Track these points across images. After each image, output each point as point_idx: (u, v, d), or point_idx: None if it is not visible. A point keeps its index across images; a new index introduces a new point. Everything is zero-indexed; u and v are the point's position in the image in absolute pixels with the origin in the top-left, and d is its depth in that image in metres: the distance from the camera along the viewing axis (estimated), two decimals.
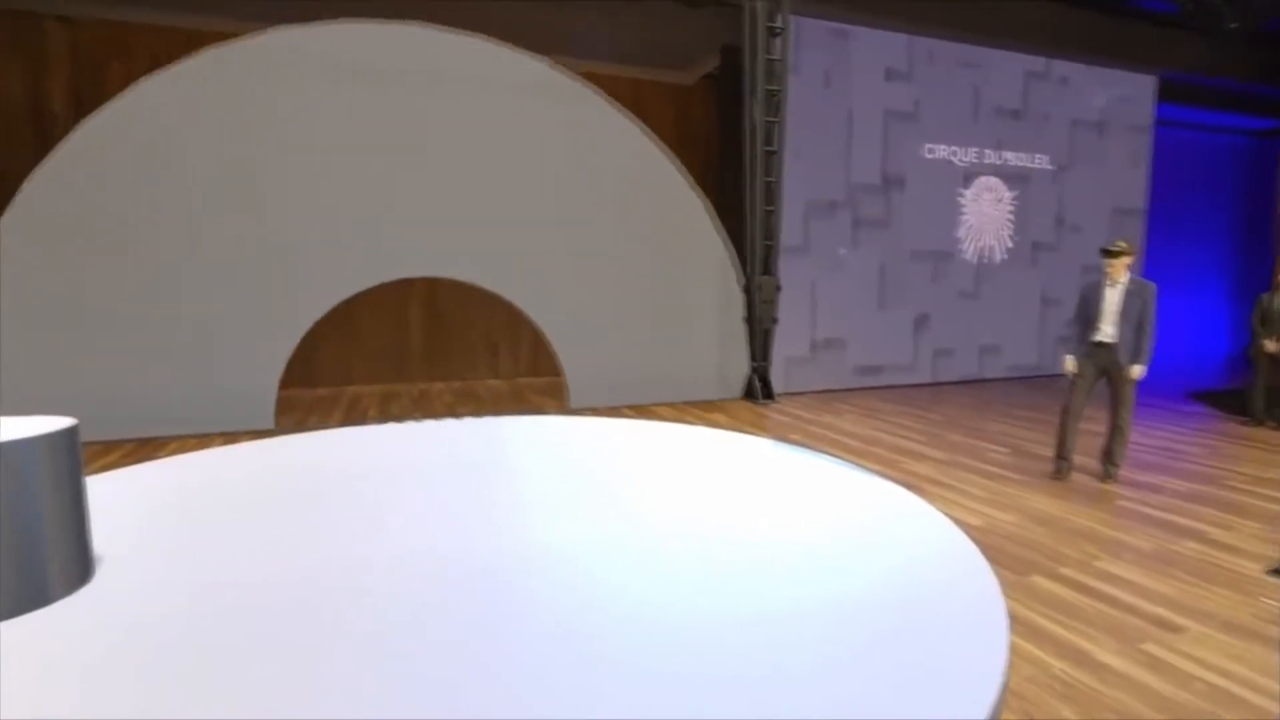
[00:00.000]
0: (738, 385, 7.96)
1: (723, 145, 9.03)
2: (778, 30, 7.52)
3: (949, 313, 9.19)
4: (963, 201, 9.20)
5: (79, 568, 2.96)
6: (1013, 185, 9.48)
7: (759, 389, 7.82)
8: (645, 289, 7.54)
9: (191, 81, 6.01)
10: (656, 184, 7.49)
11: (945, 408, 7.44)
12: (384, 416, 6.92)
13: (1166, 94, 10.57)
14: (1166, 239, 12.05)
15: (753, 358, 7.91)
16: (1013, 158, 9.44)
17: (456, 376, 9.24)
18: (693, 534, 3.47)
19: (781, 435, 5.98)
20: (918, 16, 8.54)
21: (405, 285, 8.64)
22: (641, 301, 7.53)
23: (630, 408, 7.27)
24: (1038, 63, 9.41)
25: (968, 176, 9.19)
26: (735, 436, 5.69)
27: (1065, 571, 3.25)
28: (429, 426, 6.11)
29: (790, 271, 8.07)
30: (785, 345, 8.18)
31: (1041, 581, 3.14)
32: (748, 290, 7.83)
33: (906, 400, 7.87)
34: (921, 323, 9.06)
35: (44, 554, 2.79)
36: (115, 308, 5.85)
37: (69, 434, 2.94)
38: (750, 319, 7.86)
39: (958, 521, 3.78)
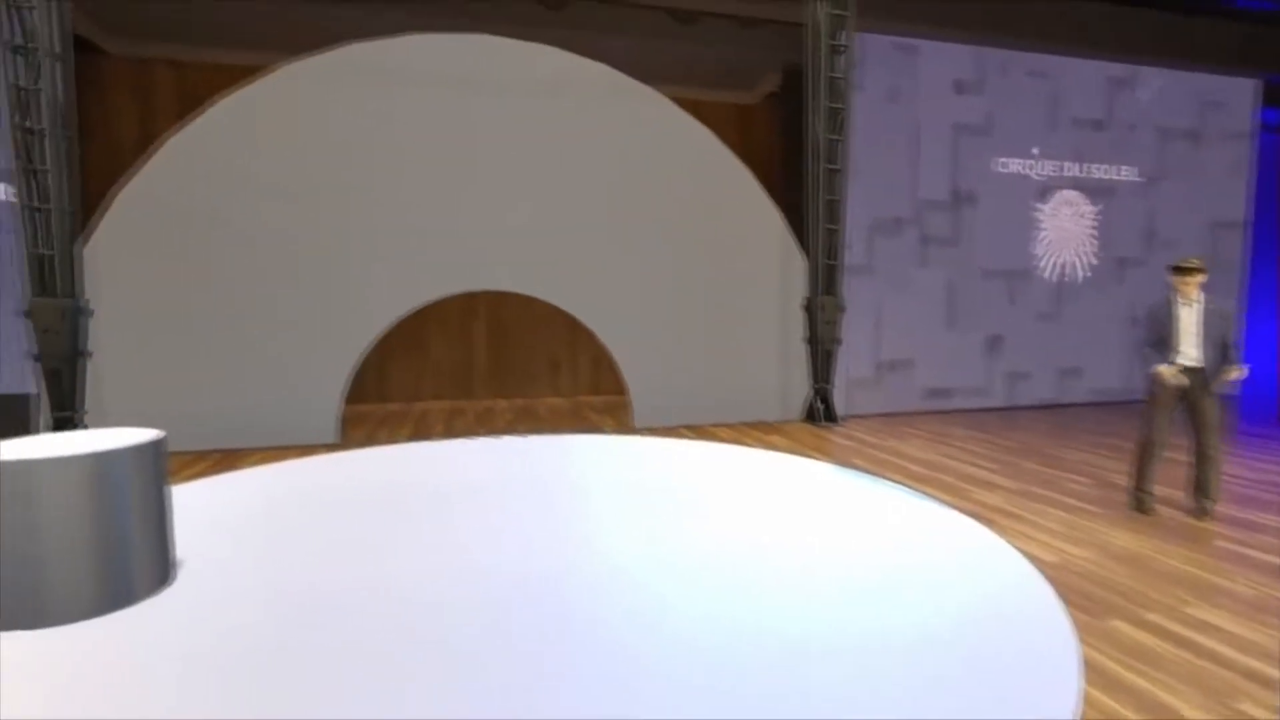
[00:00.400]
0: (799, 407, 7.80)
1: (785, 164, 8.94)
2: (841, 48, 7.43)
3: (1025, 333, 8.76)
4: (1040, 217, 8.79)
5: (161, 570, 3.19)
6: (1095, 199, 8.99)
7: (820, 411, 7.64)
8: (707, 307, 7.52)
9: (265, 101, 6.42)
10: (723, 199, 7.48)
11: (1020, 433, 7.07)
12: (449, 433, 7.12)
13: (1273, 98, 9.82)
14: (1270, 254, 11.11)
15: (814, 379, 7.74)
16: (1095, 170, 8.96)
17: (518, 394, 9.43)
18: (752, 557, 3.43)
19: (843, 459, 5.81)
20: (989, 28, 8.28)
21: (470, 304, 8.93)
22: (703, 320, 7.51)
23: (688, 428, 7.23)
24: (1121, 69, 8.93)
25: (1045, 191, 8.78)
26: (794, 459, 5.60)
27: (1149, 616, 3.01)
28: (492, 443, 6.28)
29: (854, 291, 7.89)
30: (849, 366, 7.98)
31: (1121, 626, 2.91)
32: (809, 310, 7.69)
33: (978, 425, 7.52)
34: (995, 344, 8.66)
35: (130, 557, 3.02)
36: (203, 324, 6.27)
37: (156, 445, 3.19)
38: (812, 339, 7.71)
39: (1029, 556, 3.59)
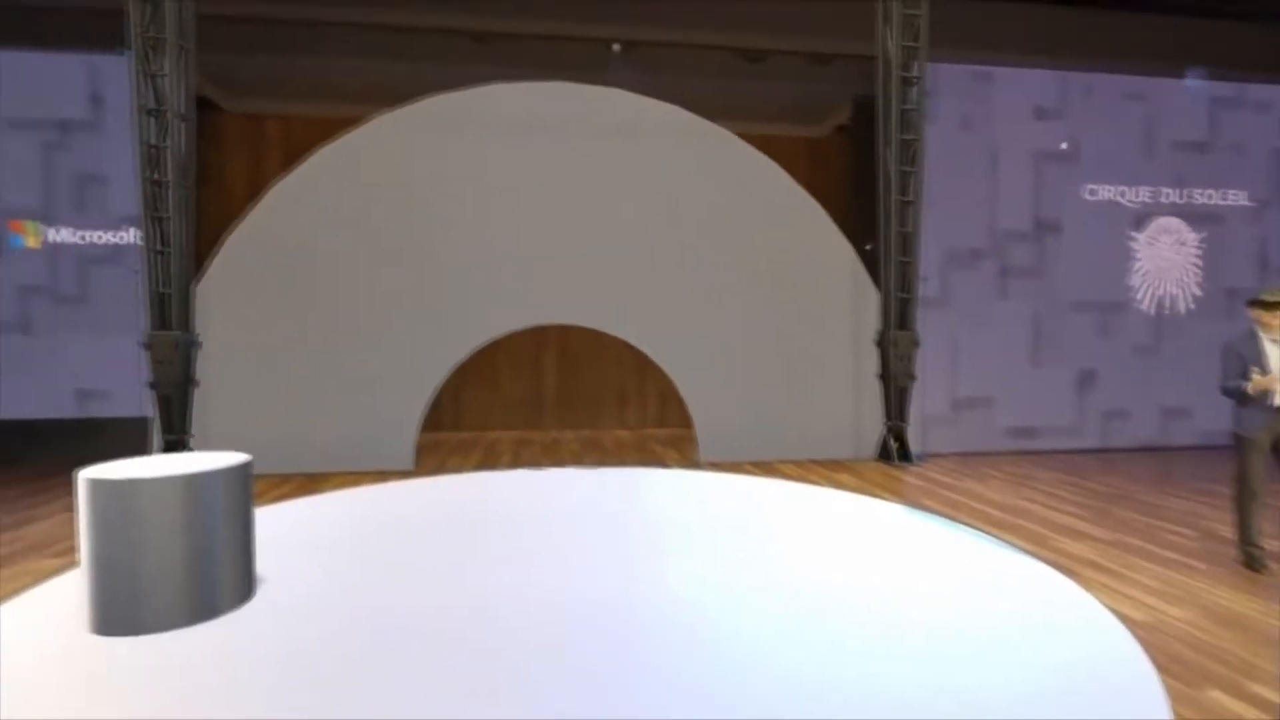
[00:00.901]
0: (872, 445, 7.54)
1: (857, 196, 8.82)
2: (913, 79, 7.32)
3: (1122, 369, 8.17)
4: (1135, 246, 8.25)
5: (244, 586, 3.41)
6: (1199, 226, 8.37)
7: (894, 450, 7.35)
8: (776, 342, 7.44)
9: (358, 150, 6.92)
10: (792, 232, 7.45)
11: (1115, 478, 6.55)
12: (515, 462, 7.31)
13: None
14: None
15: (887, 416, 7.47)
16: (1198, 195, 8.36)
17: (586, 425, 9.57)
18: (825, 600, 3.33)
19: (914, 500, 5.57)
20: (1070, 51, 7.96)
21: (541, 337, 9.19)
22: (772, 355, 7.43)
23: (753, 464, 7.12)
24: (1227, 88, 8.36)
25: (1140, 218, 8.25)
26: (860, 499, 5.41)
27: (1253, 688, 2.71)
28: (560, 473, 6.40)
29: (930, 325, 7.62)
30: (925, 403, 7.68)
31: (1221, 698, 2.64)
32: (882, 344, 7.48)
33: (1068, 467, 7.04)
34: (1087, 380, 8.12)
35: (217, 572, 3.26)
36: (296, 356, 6.74)
37: (244, 469, 3.44)
38: (885, 375, 7.47)
39: (1118, 615, 3.31)
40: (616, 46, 7.30)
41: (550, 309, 7.22)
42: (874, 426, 7.51)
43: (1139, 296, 8.25)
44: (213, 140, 8.83)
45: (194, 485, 3.15)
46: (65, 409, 7.25)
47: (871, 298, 7.51)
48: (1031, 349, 8.02)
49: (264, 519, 4.76)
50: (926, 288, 7.65)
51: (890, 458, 7.33)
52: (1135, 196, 8.23)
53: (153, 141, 6.17)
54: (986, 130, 7.90)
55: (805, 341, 7.47)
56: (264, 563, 3.71)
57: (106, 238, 7.32)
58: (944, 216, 7.78)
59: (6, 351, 7.17)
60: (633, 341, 7.29)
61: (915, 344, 7.39)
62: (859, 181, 8.60)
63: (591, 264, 7.16)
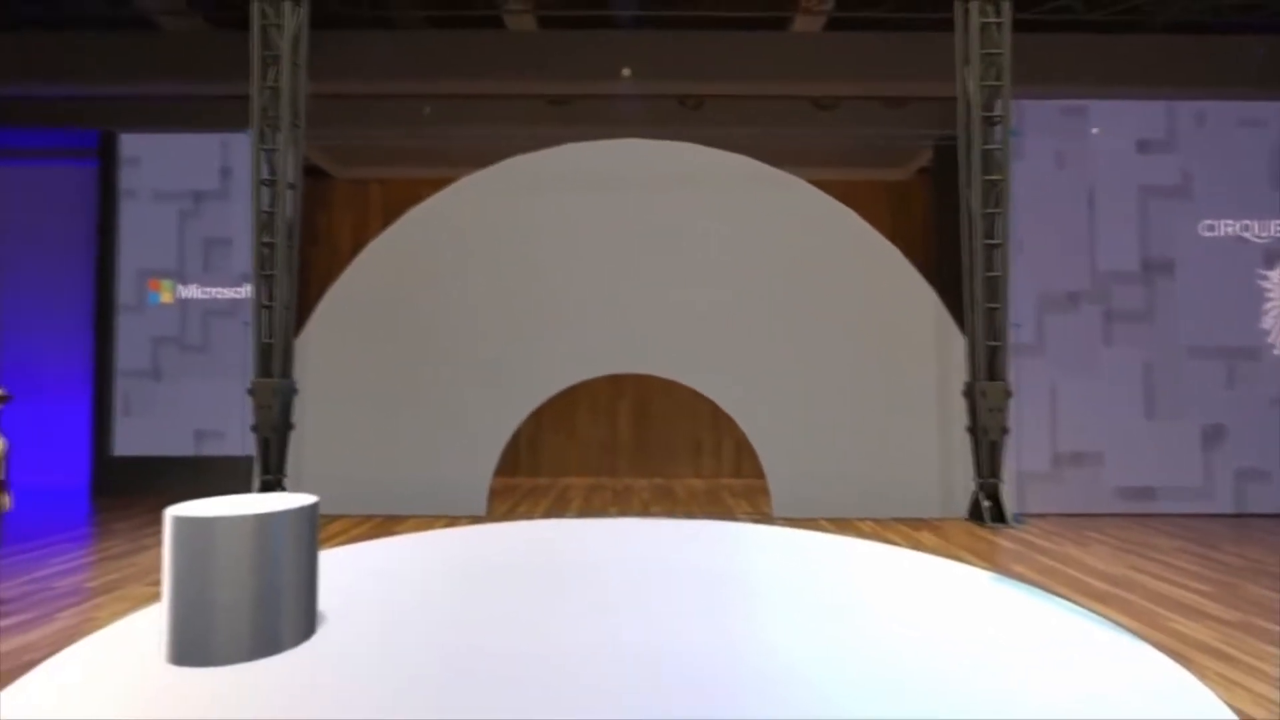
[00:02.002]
0: (961, 503, 7.02)
1: (941, 240, 8.48)
2: (996, 119, 7.03)
3: (1257, 424, 7.24)
4: (1267, 285, 7.40)
5: (306, 624, 3.56)
6: None
7: (986, 509, 6.79)
8: (855, 393, 7.13)
9: (446, 209, 7.36)
10: (871, 279, 7.22)
11: (1250, 547, 5.74)
12: (585, 508, 7.32)
13: None
14: None
15: (978, 473, 6.94)
16: None
17: (659, 474, 9.50)
18: (912, 668, 3.09)
19: (1003, 566, 5.10)
20: (1173, 79, 7.41)
21: (618, 384, 9.29)
22: (851, 407, 7.12)
23: (829, 520, 6.79)
24: None
25: (1271, 255, 7.41)
26: (938, 561, 5.02)
27: None
28: (629, 523, 6.36)
29: (1024, 374, 7.11)
30: (1021, 458, 7.11)
31: None
32: (970, 396, 7.01)
33: (1192, 534, 6.24)
34: (1214, 436, 7.25)
35: (281, 608, 3.42)
36: (381, 403, 7.12)
37: (310, 510, 3.63)
38: (974, 428, 6.97)
39: (1238, 712, 2.84)
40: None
41: (625, 359, 7.29)
42: (963, 483, 7.00)
43: (1274, 341, 7.35)
44: (323, 204, 9.71)
45: (264, 524, 3.35)
46: (185, 448, 7.99)
47: (958, 346, 7.10)
48: (1145, 400, 7.28)
49: (336, 559, 5.00)
50: (1019, 335, 7.16)
51: (982, 518, 6.78)
52: (1263, 231, 7.42)
53: (266, 208, 6.85)
54: (1081, 167, 7.42)
55: (886, 393, 7.13)
56: (328, 601, 3.87)
57: (227, 293, 8.14)
58: (1037, 259, 7.32)
59: (139, 395, 8.04)
60: (705, 392, 7.22)
61: (1008, 394, 6.88)
62: (943, 225, 8.28)
63: (666, 314, 7.21)
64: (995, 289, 6.94)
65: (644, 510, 7.28)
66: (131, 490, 7.72)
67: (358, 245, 9.46)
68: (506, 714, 2.72)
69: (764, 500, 7.31)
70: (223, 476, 7.41)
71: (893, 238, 7.56)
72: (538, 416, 7.55)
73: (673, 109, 8.18)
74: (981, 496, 6.86)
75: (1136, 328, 7.32)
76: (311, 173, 9.11)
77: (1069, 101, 7.48)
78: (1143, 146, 7.46)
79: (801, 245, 7.24)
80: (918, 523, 6.74)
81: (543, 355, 7.20)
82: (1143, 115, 7.47)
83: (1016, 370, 7.01)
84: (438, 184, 9.11)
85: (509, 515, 6.89)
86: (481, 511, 6.98)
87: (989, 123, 6.99)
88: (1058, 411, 7.27)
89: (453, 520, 6.57)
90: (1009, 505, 6.78)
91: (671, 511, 7.17)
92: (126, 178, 8.29)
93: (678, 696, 2.85)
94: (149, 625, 3.52)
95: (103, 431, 8.09)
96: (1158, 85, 7.46)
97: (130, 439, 8.06)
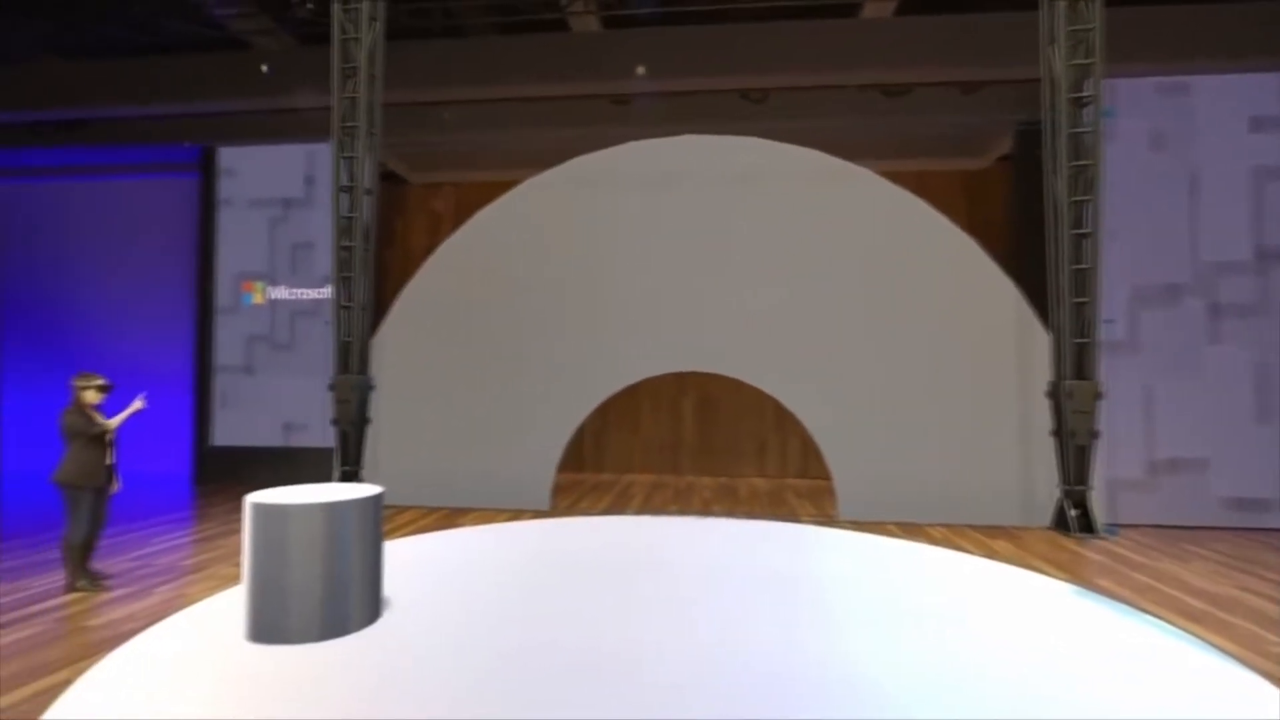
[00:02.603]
0: (1044, 510, 6.61)
1: (1023, 232, 7.99)
2: (1086, 99, 6.57)
3: None
4: None
5: (371, 608, 3.73)
6: None
7: (1073, 518, 6.37)
8: (929, 393, 6.83)
9: (512, 210, 7.52)
10: (946, 274, 6.90)
11: None
12: (645, 506, 7.34)
13: None
14: None
15: (1063, 479, 6.51)
16: None
17: (723, 472, 9.40)
18: (971, 682, 3.00)
19: (1088, 580, 4.76)
20: None
21: (682, 382, 9.25)
22: (923, 407, 6.83)
23: (897, 524, 6.54)
24: None
25: None
26: (1015, 572, 4.74)
27: None
28: (691, 522, 6.34)
29: (1116, 374, 6.62)
30: (1113, 465, 6.62)
31: None
32: (1055, 397, 6.59)
33: None
34: None
35: (348, 593, 3.60)
36: (451, 398, 7.37)
37: (374, 500, 3.80)
38: (1060, 431, 6.55)
39: None
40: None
41: (689, 356, 7.24)
42: (1046, 490, 6.59)
43: None
44: (398, 208, 10.14)
45: (332, 512, 3.54)
46: (274, 439, 8.54)
47: (1041, 344, 6.68)
48: (1257, 403, 6.63)
49: (403, 548, 5.21)
50: (1110, 331, 6.67)
51: (1068, 527, 6.36)
52: None
53: (345, 213, 7.21)
54: (1183, 148, 6.83)
55: (963, 393, 6.79)
56: (393, 587, 4.04)
57: (311, 294, 8.62)
58: (1131, 249, 6.79)
59: (234, 390, 8.64)
60: (770, 391, 7.09)
61: (1097, 395, 6.42)
62: (1025, 215, 7.80)
63: (731, 311, 7.12)
64: (1084, 282, 6.49)
65: (704, 509, 7.22)
66: (227, 478, 8.31)
67: (431, 247, 9.79)
68: (567, 706, 2.75)
69: (829, 502, 7.12)
70: (308, 466, 7.86)
71: (970, 230, 7.18)
72: (603, 414, 7.62)
73: (735, 104, 8.06)
74: (1068, 504, 6.44)
75: (1247, 323, 6.67)
76: (388, 178, 9.53)
77: (1168, 78, 6.89)
78: (1256, 124, 6.79)
79: (872, 240, 6.99)
80: (993, 530, 6.40)
81: (607, 352, 7.26)
82: (1256, 89, 6.79)
83: (1107, 370, 6.53)
84: (507, 186, 9.34)
85: (570, 510, 6.99)
86: (545, 506, 7.11)
87: (1077, 104, 6.54)
88: (1154, 414, 6.73)
89: (515, 514, 6.73)
90: (1098, 514, 6.33)
91: (732, 511, 7.08)
92: (224, 188, 8.91)
93: (751, 698, 2.82)
94: (231, 604, 3.77)
95: (203, 423, 8.74)
96: (1273, 55, 6.76)
97: (227, 430, 8.68)
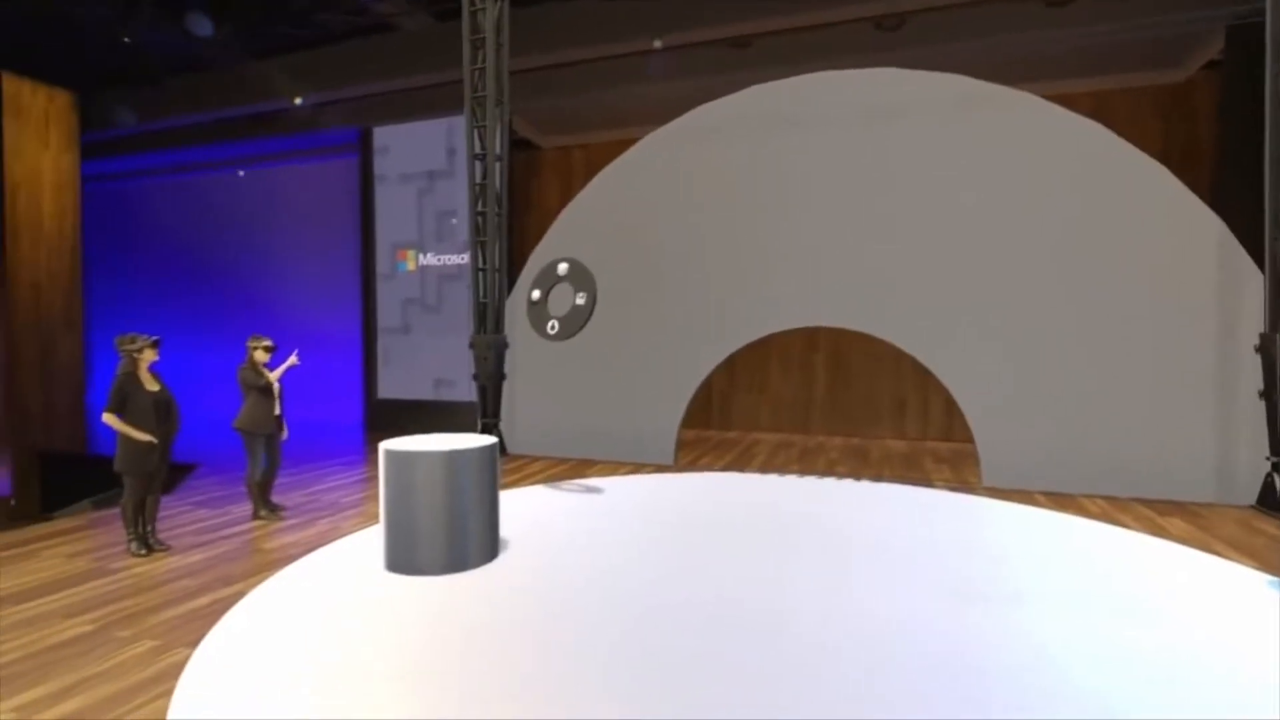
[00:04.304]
0: (1244, 485, 5.63)
1: (1233, 156, 6.67)
2: None
3: None
4: None
5: (489, 548, 4.05)
6: None
7: None
8: (1100, 346, 5.98)
9: (634, 165, 7.52)
10: (1129, 207, 5.92)
11: None
12: (768, 466, 7.20)
13: None
14: None
15: (1275, 449, 5.48)
16: None
17: (856, 433, 8.97)
18: (1183, 681, 2.64)
19: None
20: None
21: (812, 338, 8.89)
22: (1092, 363, 6.00)
23: (1045, 494, 5.89)
24: None
25: None
26: (1197, 556, 4.10)
27: None
28: (806, 482, 6.15)
29: None
30: None
31: None
32: (1265, 351, 5.52)
33: None
34: None
35: (467, 532, 3.93)
36: (583, 355, 7.63)
37: (490, 449, 4.08)
38: (1272, 393, 5.49)
39: None
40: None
41: (819, 311, 6.84)
42: (1250, 460, 5.59)
43: None
44: (533, 172, 10.51)
45: (451, 459, 3.85)
46: (427, 393, 9.40)
47: (1253, 288, 5.59)
48: None
49: (528, 496, 5.54)
50: None
51: (1278, 505, 5.38)
52: None
53: (479, 180, 7.60)
54: None
55: (1143, 347, 5.87)
56: (515, 531, 4.34)
57: (455, 260, 9.26)
58: None
59: (394, 348, 9.58)
60: (904, 347, 6.56)
61: None
62: (1238, 135, 6.47)
63: (866, 262, 6.62)
64: None
65: (828, 470, 6.95)
66: (390, 427, 9.30)
67: (564, 208, 10.16)
68: (641, 649, 2.83)
69: (969, 468, 6.56)
70: (456, 417, 8.59)
71: (1163, 157, 6.09)
72: (730, 372, 7.53)
73: (867, 34, 7.36)
74: (1277, 479, 5.43)
75: None
76: (520, 145, 9.89)
77: None
78: None
79: (1034, 173, 6.13)
80: (1166, 505, 5.56)
81: (734, 308, 7.10)
82: None
83: None
84: (633, 143, 9.35)
85: (691, 467, 7.05)
86: (669, 461, 7.22)
87: None
88: None
89: (638, 467, 6.90)
90: None
91: (858, 474, 6.74)
92: (379, 164, 9.75)
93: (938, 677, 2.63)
94: (374, 538, 4.25)
95: (370, 378, 9.82)
96: None
97: (389, 384, 9.69)
